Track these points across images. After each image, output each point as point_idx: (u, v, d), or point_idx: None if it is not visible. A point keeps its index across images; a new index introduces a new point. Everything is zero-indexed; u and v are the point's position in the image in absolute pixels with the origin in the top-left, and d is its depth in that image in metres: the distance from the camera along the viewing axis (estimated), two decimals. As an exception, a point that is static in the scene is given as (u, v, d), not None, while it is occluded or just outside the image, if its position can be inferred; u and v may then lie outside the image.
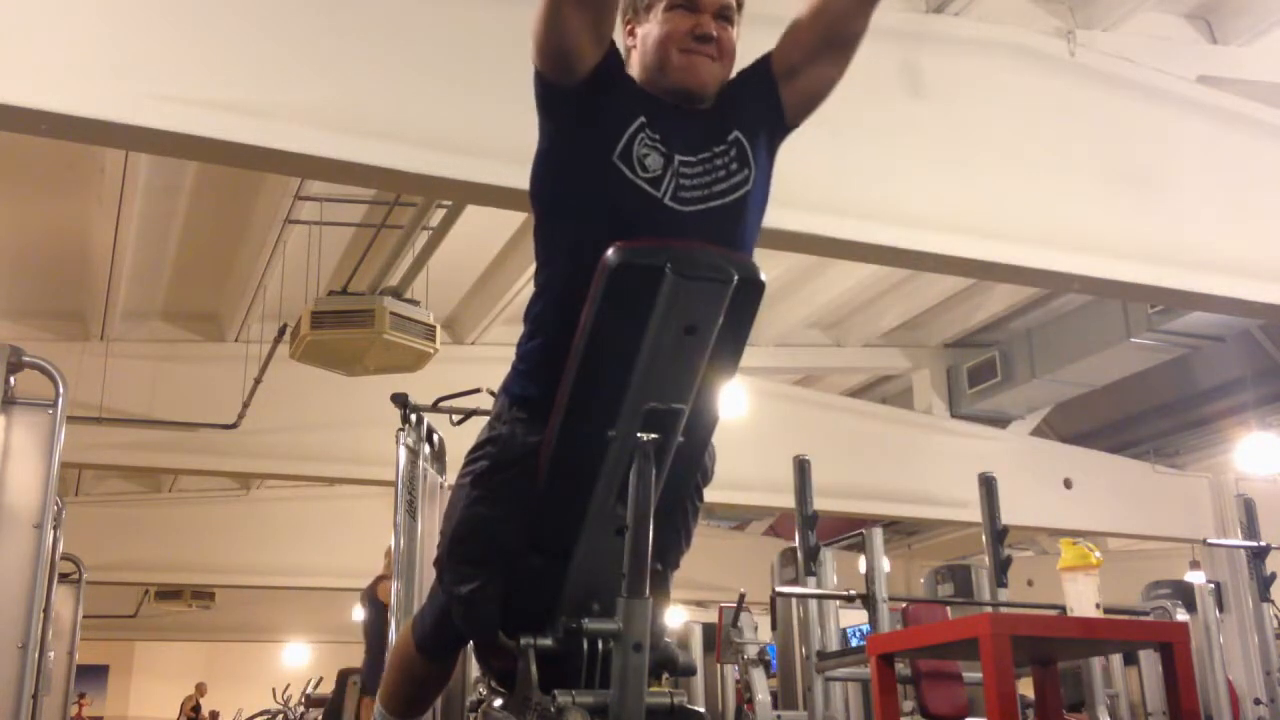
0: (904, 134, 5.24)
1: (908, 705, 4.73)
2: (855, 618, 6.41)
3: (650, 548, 1.89)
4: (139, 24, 4.20)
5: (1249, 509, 6.47)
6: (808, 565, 5.20)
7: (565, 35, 2.00)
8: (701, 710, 2.16)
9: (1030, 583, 10.06)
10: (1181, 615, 5.57)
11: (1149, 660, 5.45)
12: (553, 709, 1.93)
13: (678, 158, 2.04)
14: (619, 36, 2.14)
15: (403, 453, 4.70)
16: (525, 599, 2.05)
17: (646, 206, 2.01)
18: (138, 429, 8.46)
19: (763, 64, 2.17)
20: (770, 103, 2.16)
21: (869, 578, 5.12)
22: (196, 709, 16.52)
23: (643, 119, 2.03)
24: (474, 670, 4.07)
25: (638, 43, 2.11)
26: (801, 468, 5.40)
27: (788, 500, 5.58)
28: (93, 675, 16.93)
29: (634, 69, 2.12)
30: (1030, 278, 6.04)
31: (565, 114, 2.07)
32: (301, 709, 10.12)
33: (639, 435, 1.87)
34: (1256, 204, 5.84)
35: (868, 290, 8.81)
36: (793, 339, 9.42)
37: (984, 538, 5.53)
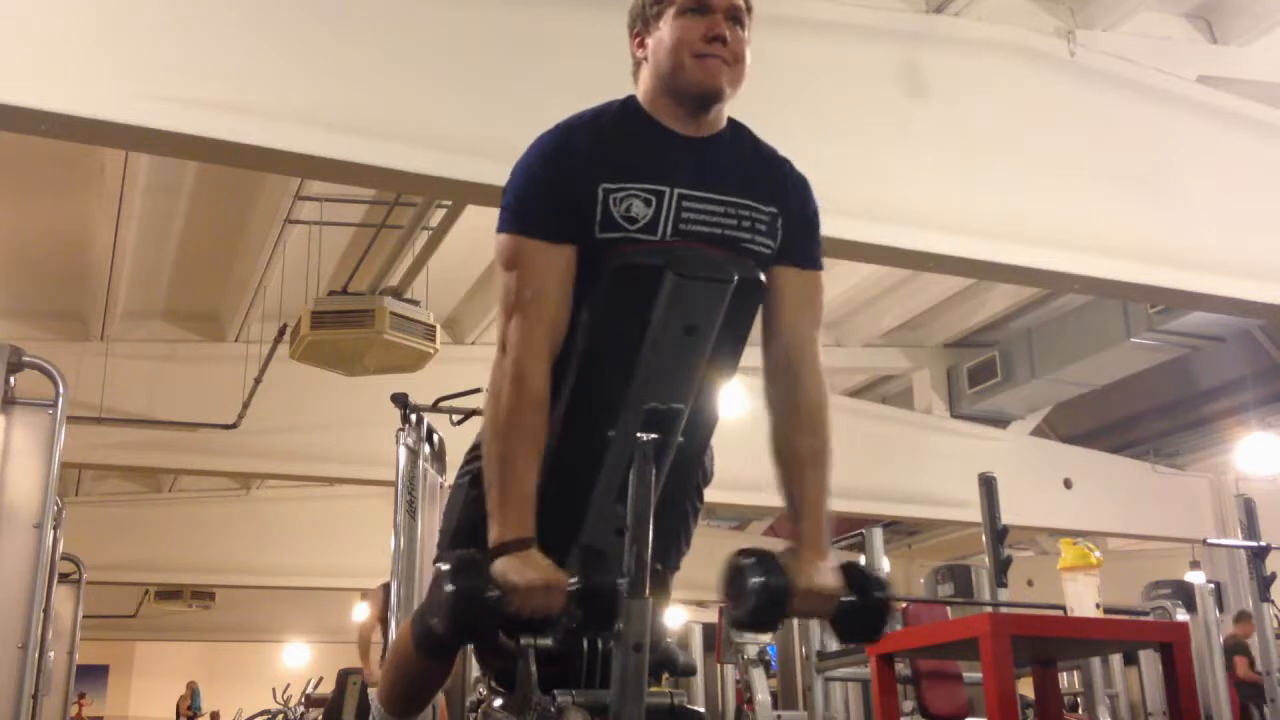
0: (905, 134, 5.24)
1: (908, 705, 4.73)
2: (855, 618, 6.39)
3: (650, 548, 1.88)
4: (139, 24, 4.20)
5: (1249, 509, 6.46)
6: (808, 565, 5.18)
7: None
8: (701, 710, 2.15)
9: (1030, 583, 10.07)
10: (1181, 615, 5.57)
11: (1149, 660, 5.45)
12: (553, 709, 1.93)
13: (677, 191, 1.96)
14: (629, 50, 2.11)
15: (403, 453, 4.70)
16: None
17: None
18: (138, 429, 8.46)
19: (808, 220, 2.09)
20: (789, 232, 2.06)
21: (869, 577, 5.10)
22: (192, 707, 16.51)
23: (605, 186, 1.93)
24: (474, 670, 4.07)
25: (649, 53, 2.04)
26: (801, 468, 5.38)
27: (788, 500, 5.56)
28: (93, 675, 16.92)
29: (644, 81, 2.05)
30: (1030, 278, 6.04)
31: None
32: (301, 709, 10.13)
33: (639, 435, 1.87)
34: (1256, 204, 5.84)
35: (868, 290, 8.81)
36: (792, 339, 9.41)
37: (984, 538, 5.53)
